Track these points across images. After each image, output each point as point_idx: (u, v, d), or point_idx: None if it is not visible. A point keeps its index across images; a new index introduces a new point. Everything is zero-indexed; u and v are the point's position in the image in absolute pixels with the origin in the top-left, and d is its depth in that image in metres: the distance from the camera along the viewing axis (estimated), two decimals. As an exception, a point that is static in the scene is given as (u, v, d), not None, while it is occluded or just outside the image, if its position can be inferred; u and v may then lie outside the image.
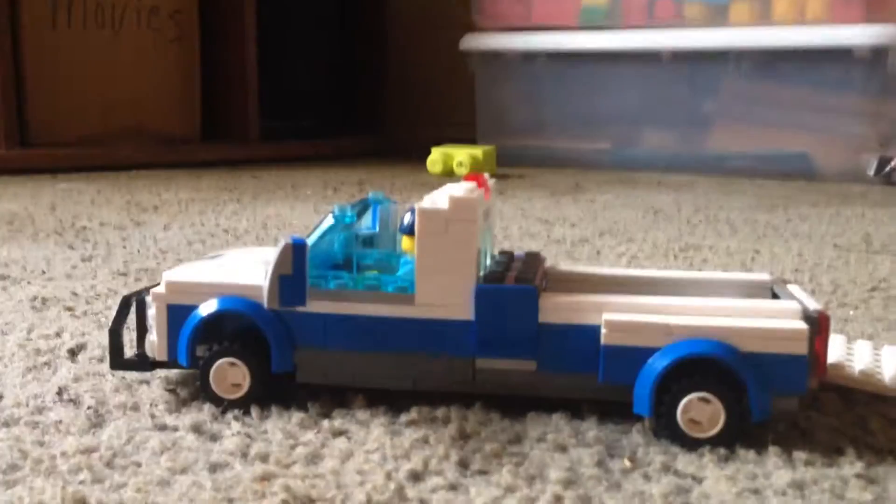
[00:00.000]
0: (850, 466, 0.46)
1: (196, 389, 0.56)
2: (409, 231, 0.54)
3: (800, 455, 0.47)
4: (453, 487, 0.43)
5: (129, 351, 0.57)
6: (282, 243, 0.52)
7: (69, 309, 0.77)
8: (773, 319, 0.50)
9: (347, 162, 2.26)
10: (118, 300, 0.57)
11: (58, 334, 0.69)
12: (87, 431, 0.50)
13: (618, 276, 0.59)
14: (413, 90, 2.73)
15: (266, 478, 0.44)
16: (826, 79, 1.90)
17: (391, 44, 2.61)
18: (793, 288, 0.55)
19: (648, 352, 0.49)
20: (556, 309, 0.52)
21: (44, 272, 0.92)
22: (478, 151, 1.90)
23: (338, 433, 0.50)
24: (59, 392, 0.56)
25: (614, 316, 0.50)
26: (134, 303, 0.56)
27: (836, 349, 0.58)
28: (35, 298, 0.80)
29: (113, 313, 0.56)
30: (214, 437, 0.49)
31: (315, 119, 2.45)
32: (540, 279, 0.55)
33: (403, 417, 0.52)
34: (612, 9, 2.08)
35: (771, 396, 0.48)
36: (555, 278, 0.59)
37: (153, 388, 0.57)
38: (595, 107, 2.15)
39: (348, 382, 0.54)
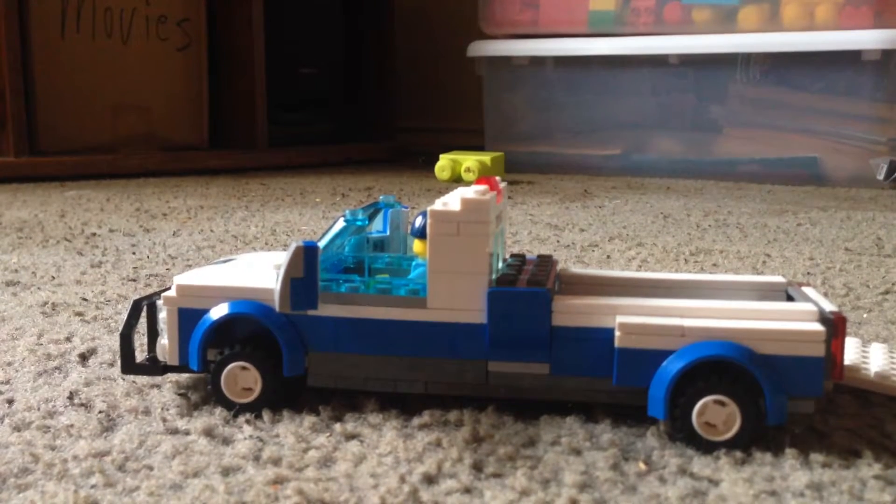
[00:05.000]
0: (868, 468, 0.45)
1: (207, 393, 0.55)
2: (421, 234, 0.54)
3: (817, 457, 0.47)
4: (468, 491, 0.43)
5: (140, 355, 0.57)
6: (293, 246, 0.52)
7: (79, 314, 0.77)
8: (789, 322, 0.49)
9: (355, 169, 2.26)
10: (128, 305, 0.56)
11: (68, 339, 0.69)
12: (98, 435, 0.50)
13: (631, 279, 0.59)
14: (421, 97, 2.73)
15: (279, 481, 0.44)
16: (835, 83, 1.90)
17: (399, 51, 2.61)
18: (808, 290, 0.55)
19: (663, 354, 0.49)
20: (570, 312, 0.51)
21: (53, 278, 0.92)
22: (486, 158, 1.90)
23: (350, 437, 0.50)
24: (71, 396, 0.56)
25: (628, 319, 0.50)
26: (145, 307, 0.56)
27: (851, 352, 0.57)
28: (45, 304, 0.80)
29: (123, 318, 0.56)
30: (226, 441, 0.49)
31: (323, 126, 2.46)
32: (552, 282, 0.55)
33: (416, 421, 0.51)
34: (619, 14, 2.08)
35: (787, 399, 0.48)
36: (567, 281, 0.59)
37: (164, 392, 0.57)
38: (603, 112, 2.14)
39: (360, 386, 0.53)
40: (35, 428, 0.50)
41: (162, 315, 0.55)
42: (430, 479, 0.44)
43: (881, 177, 1.84)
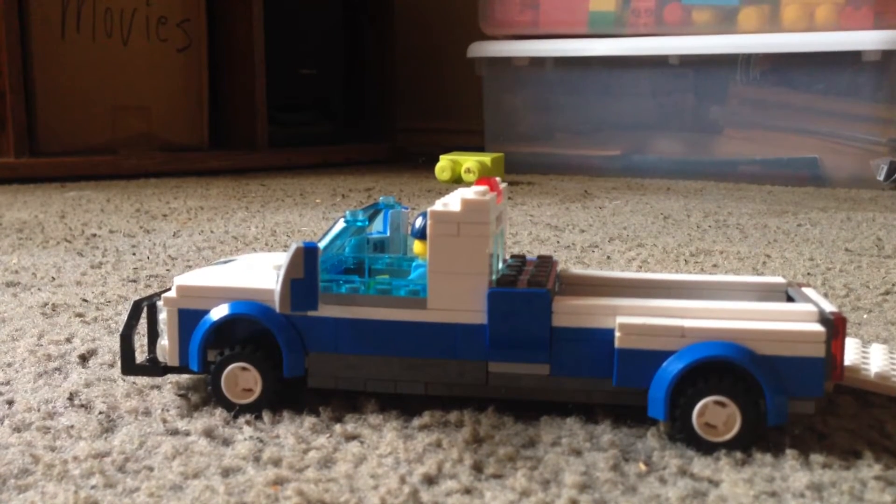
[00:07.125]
0: (868, 469, 0.45)
1: (207, 394, 0.55)
2: (421, 235, 0.54)
3: (817, 458, 0.46)
4: (468, 491, 0.43)
5: (141, 356, 0.57)
6: (293, 247, 0.52)
7: (79, 315, 0.76)
8: (790, 322, 0.49)
9: (356, 169, 2.26)
10: (128, 306, 0.56)
11: (68, 340, 0.69)
12: (98, 436, 0.50)
13: (631, 279, 0.59)
14: (421, 97, 2.73)
15: (279, 482, 0.44)
16: (835, 84, 1.90)
17: (399, 52, 2.61)
18: (808, 291, 0.55)
19: (663, 355, 0.49)
20: (570, 312, 0.51)
21: (54, 279, 0.92)
22: (486, 158, 1.90)
23: (350, 437, 0.50)
24: (71, 397, 0.55)
25: (628, 319, 0.50)
26: (145, 307, 0.56)
27: (851, 352, 0.57)
28: (45, 305, 0.80)
29: (123, 319, 0.56)
30: (226, 442, 0.49)
31: (323, 126, 2.46)
32: (553, 283, 0.55)
33: (416, 421, 0.51)
34: (620, 14, 2.08)
35: (787, 399, 0.48)
36: (567, 282, 0.59)
37: (164, 392, 0.57)
38: (603, 113, 2.14)
39: (360, 387, 0.53)
40: (35, 429, 0.50)
41: (162, 316, 0.55)
42: (430, 480, 0.44)
43: (881, 178, 1.84)
